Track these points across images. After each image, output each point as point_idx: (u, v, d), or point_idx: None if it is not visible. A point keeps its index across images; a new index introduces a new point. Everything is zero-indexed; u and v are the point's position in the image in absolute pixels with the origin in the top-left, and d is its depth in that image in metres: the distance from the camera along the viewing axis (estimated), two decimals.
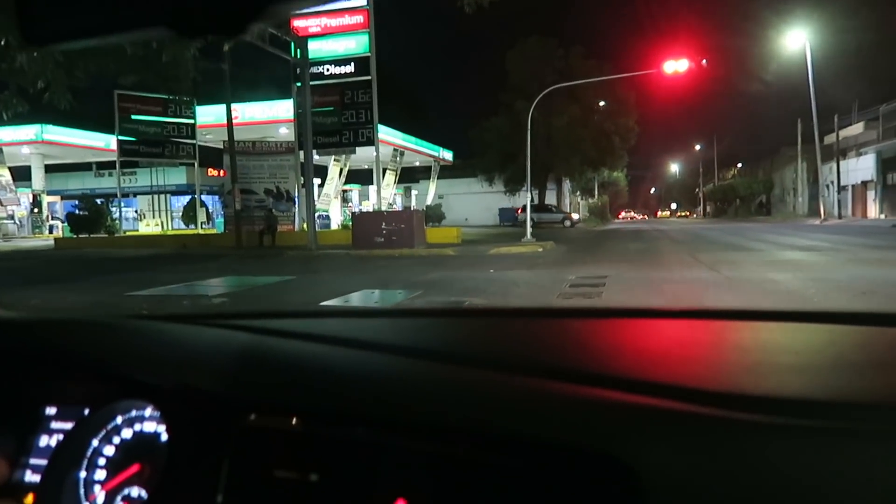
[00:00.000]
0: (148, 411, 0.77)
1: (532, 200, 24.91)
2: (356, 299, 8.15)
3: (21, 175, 33.30)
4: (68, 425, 0.79)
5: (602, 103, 41.68)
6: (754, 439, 0.50)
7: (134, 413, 0.78)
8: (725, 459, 0.49)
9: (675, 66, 19.50)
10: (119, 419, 0.78)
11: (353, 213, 23.00)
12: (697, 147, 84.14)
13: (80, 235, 25.49)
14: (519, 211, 38.52)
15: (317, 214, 19.67)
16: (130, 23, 0.45)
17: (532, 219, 37.58)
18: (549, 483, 0.53)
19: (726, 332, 0.90)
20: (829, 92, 40.41)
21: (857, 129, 43.75)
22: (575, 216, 42.63)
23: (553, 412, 0.57)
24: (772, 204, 58.90)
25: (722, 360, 0.73)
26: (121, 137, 25.62)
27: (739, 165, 74.56)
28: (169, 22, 0.43)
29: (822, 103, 37.49)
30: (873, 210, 40.01)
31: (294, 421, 0.64)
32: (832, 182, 40.70)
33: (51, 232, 32.41)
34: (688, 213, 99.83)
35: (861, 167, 41.08)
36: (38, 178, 33.46)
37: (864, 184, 41.12)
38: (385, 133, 27.14)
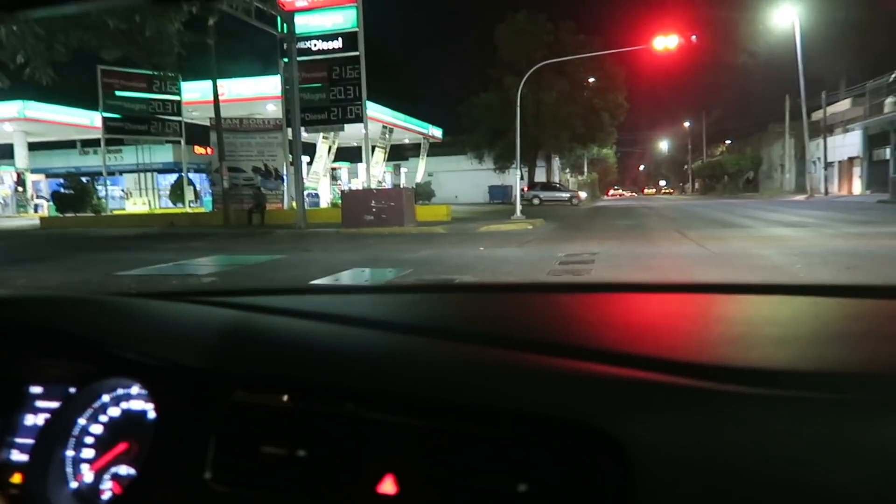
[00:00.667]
0: (135, 389, 0.76)
1: (521, 177, 24.86)
2: (346, 277, 8.14)
3: (4, 153, 32.84)
4: (54, 404, 0.79)
5: (591, 79, 41.48)
6: (740, 410, 0.51)
7: (121, 391, 0.78)
8: (711, 431, 0.50)
9: (665, 42, 19.40)
10: (106, 397, 0.78)
11: (342, 192, 22.89)
12: (686, 124, 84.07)
13: (66, 214, 25.22)
14: (526, 189, 38.30)
15: (306, 192, 19.56)
16: None
17: (539, 197, 37.19)
18: (537, 456, 0.54)
19: (711, 305, 0.91)
20: (817, 68, 40.31)
21: (844, 105, 43.83)
22: (582, 194, 42.14)
23: (540, 386, 0.57)
24: (759, 180, 59.15)
25: (707, 332, 0.74)
26: (105, 114, 25.23)
27: (728, 142, 74.67)
28: None
29: (810, 80, 37.55)
30: (859, 186, 40.28)
31: (281, 397, 0.64)
32: (819, 158, 40.86)
33: (36, 211, 32.04)
34: (672, 191, 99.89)
35: (848, 143, 41.26)
36: (21, 157, 32.99)
37: (851, 160, 41.33)
38: (374, 110, 26.91)
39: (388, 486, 0.58)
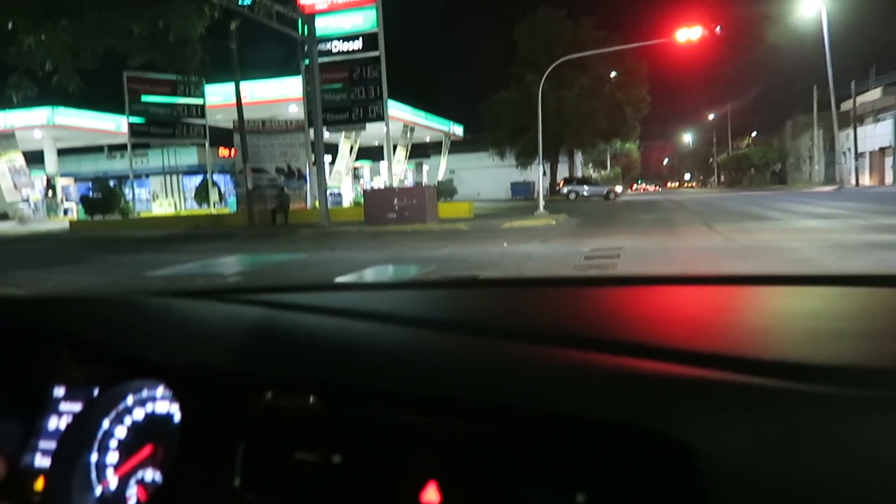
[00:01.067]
0: (160, 391, 0.73)
1: (544, 173, 24.71)
2: (370, 275, 8.13)
3: (34, 159, 33.45)
4: (77, 406, 0.75)
5: (613, 74, 41.10)
6: (824, 413, 0.45)
7: (145, 393, 0.74)
8: (791, 436, 0.44)
9: (688, 34, 19.12)
10: (130, 399, 0.75)
11: (364, 190, 22.91)
12: (711, 116, 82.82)
13: (95, 217, 25.64)
14: (561, 184, 38.00)
15: (328, 192, 19.63)
16: None
17: (575, 191, 37.11)
18: (595, 464, 0.49)
19: (769, 297, 0.85)
20: (846, 58, 39.52)
21: (874, 94, 42.84)
22: (618, 188, 41.78)
23: (597, 386, 0.52)
24: (787, 172, 58.07)
25: (772, 327, 0.68)
26: (131, 119, 25.58)
27: (754, 134, 73.46)
28: None
29: (838, 70, 36.83)
30: (891, 176, 39.34)
31: (313, 399, 0.60)
32: (849, 149, 39.98)
33: (65, 214, 32.63)
34: (693, 184, 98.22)
35: (878, 133, 40.30)
36: (51, 162, 33.62)
37: (882, 150, 40.37)
38: (395, 109, 26.93)
39: (431, 494, 0.53)
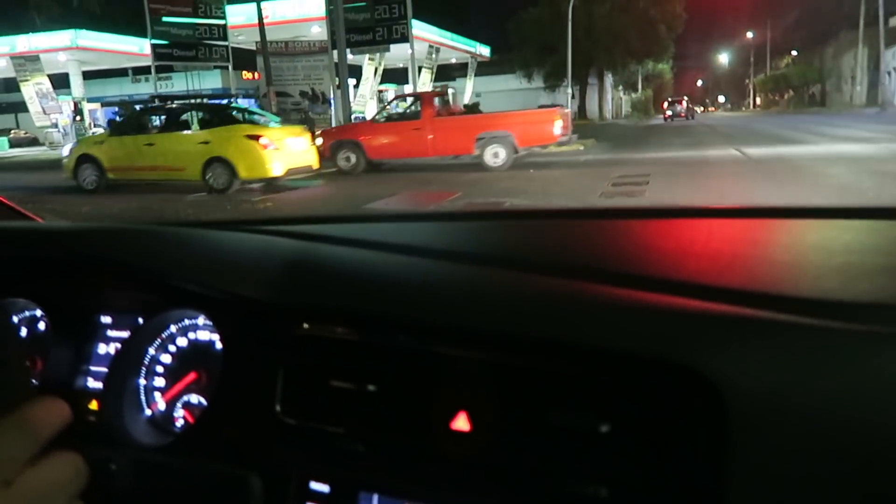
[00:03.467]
0: (201, 320, 0.76)
1: (573, 97, 24.07)
2: (398, 201, 8.15)
3: (60, 83, 33.45)
4: (125, 334, 0.79)
5: None
6: (851, 351, 0.46)
7: (187, 322, 0.77)
8: (817, 373, 0.45)
9: None
10: (173, 328, 0.78)
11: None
12: (749, 34, 79.09)
13: None
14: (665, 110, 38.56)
15: (353, 116, 19.42)
16: None
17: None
18: (620, 396, 0.50)
19: (801, 231, 0.84)
20: None
21: None
22: (698, 110, 42.87)
23: (625, 320, 0.53)
24: (827, 94, 55.77)
25: (803, 261, 0.68)
26: (153, 41, 25.28)
27: (794, 53, 70.19)
28: None
29: None
30: None
31: (348, 330, 0.62)
32: (894, 68, 38.11)
33: None
34: (712, 108, 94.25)
35: None
36: (76, 86, 33.59)
37: None
38: (420, 29, 26.15)
39: (461, 422, 0.56)
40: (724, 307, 0.52)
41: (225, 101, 14.17)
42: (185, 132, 10.27)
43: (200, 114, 10.87)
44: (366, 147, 12.26)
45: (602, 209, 1.32)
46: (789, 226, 0.87)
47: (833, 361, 0.46)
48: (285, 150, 9.76)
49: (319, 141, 12.33)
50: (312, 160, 10.54)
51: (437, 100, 12.58)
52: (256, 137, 9.54)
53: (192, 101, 13.53)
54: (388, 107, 13.96)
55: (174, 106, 11.43)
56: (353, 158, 12.31)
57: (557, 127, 11.47)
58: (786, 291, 0.56)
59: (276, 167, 9.52)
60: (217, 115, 10.69)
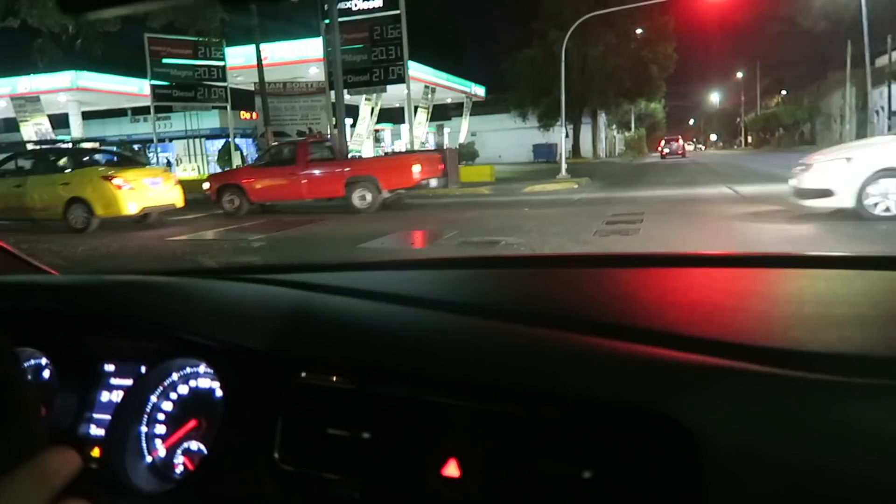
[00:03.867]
0: (202, 368, 0.79)
1: (567, 136, 24.38)
2: (393, 240, 8.20)
3: (59, 123, 33.76)
4: (128, 382, 0.82)
5: (639, 31, 40.04)
6: (817, 399, 0.49)
7: (189, 370, 0.80)
8: (786, 421, 0.48)
9: None
10: (175, 376, 0.81)
11: (385, 153, 22.85)
12: (739, 74, 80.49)
13: None
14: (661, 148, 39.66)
15: (350, 155, 19.63)
16: None
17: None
18: (602, 443, 0.53)
19: (778, 281, 0.88)
20: (882, 10, 37.94)
21: None
22: (690, 148, 43.98)
23: (607, 370, 0.56)
24: (817, 132, 56.57)
25: (776, 312, 0.71)
26: (153, 82, 25.61)
27: (783, 93, 71.38)
28: None
29: (873, 24, 35.39)
30: None
31: (345, 379, 0.65)
32: (882, 107, 38.77)
33: None
34: (704, 146, 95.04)
35: None
36: (76, 126, 33.89)
37: None
38: (416, 70, 26.60)
39: (451, 469, 0.59)
40: (700, 357, 0.55)
41: (89, 146, 15.46)
42: (50, 174, 11.04)
43: (64, 158, 11.79)
44: (247, 190, 13.12)
45: (587, 256, 1.36)
46: (764, 276, 0.91)
47: (801, 410, 0.49)
48: (142, 190, 10.64)
49: (206, 185, 13.50)
50: (175, 199, 11.36)
51: (311, 146, 13.66)
52: (111, 178, 10.41)
53: (58, 146, 14.50)
54: (269, 152, 14.83)
55: (39, 150, 12.62)
56: (237, 201, 13.17)
57: (416, 171, 12.42)
58: (758, 342, 0.59)
59: (131, 206, 10.41)
60: (78, 158, 11.77)
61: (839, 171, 7.21)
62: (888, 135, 11.02)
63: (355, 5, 20.34)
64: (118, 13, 0.46)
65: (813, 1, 42.72)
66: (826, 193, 7.22)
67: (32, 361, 0.91)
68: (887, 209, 7.03)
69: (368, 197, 12.30)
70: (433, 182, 14.98)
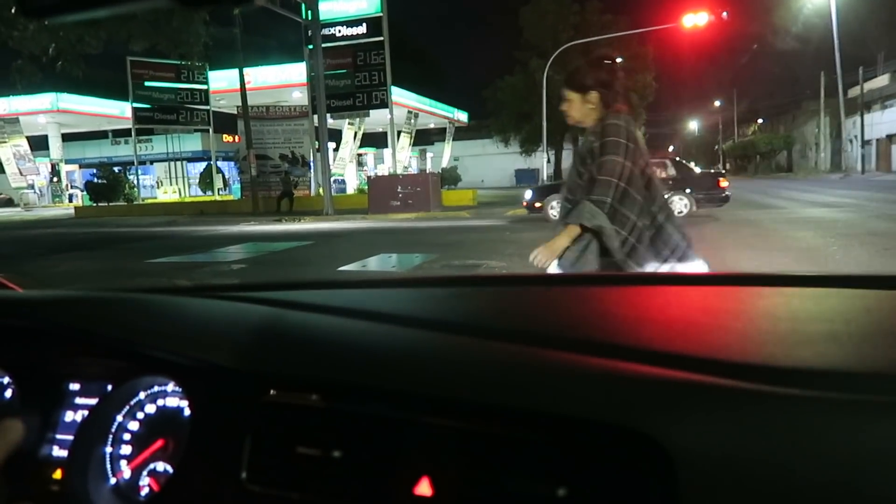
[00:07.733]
0: (170, 387, 0.77)
1: (548, 161, 24.65)
2: (374, 263, 8.17)
3: (39, 144, 33.51)
4: (92, 401, 0.79)
5: (619, 60, 40.78)
6: (791, 414, 0.48)
7: (156, 388, 0.78)
8: (761, 437, 0.47)
9: (695, 19, 18.99)
10: (142, 395, 0.78)
11: (368, 177, 22.93)
12: (717, 103, 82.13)
13: (100, 204, 25.71)
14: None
15: (332, 179, 19.65)
16: None
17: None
18: (576, 461, 0.52)
19: (753, 298, 0.88)
20: (854, 43, 39.07)
21: (882, 80, 42.42)
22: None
23: (581, 387, 0.55)
24: (793, 160, 57.74)
25: (751, 329, 0.71)
26: (135, 104, 25.56)
27: (760, 121, 72.87)
28: None
29: (846, 55, 36.43)
30: None
31: (315, 397, 0.64)
32: (856, 136, 39.73)
33: (70, 201, 32.73)
34: None
35: (886, 120, 39.98)
36: (55, 148, 33.65)
37: (889, 137, 40.06)
38: (399, 95, 26.83)
39: (423, 488, 0.57)
40: (675, 373, 0.55)
41: None
42: None
43: None
44: None
45: (564, 276, 1.36)
46: (740, 293, 0.91)
47: (777, 426, 0.48)
48: None
49: None
50: None
51: None
52: None
53: None
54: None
55: None
56: None
57: None
58: (734, 358, 0.59)
59: None
60: None
61: None
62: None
63: (339, 31, 20.54)
64: (77, 18, 0.46)
65: (787, 34, 43.92)
66: None
67: None
68: None
69: None
70: None
